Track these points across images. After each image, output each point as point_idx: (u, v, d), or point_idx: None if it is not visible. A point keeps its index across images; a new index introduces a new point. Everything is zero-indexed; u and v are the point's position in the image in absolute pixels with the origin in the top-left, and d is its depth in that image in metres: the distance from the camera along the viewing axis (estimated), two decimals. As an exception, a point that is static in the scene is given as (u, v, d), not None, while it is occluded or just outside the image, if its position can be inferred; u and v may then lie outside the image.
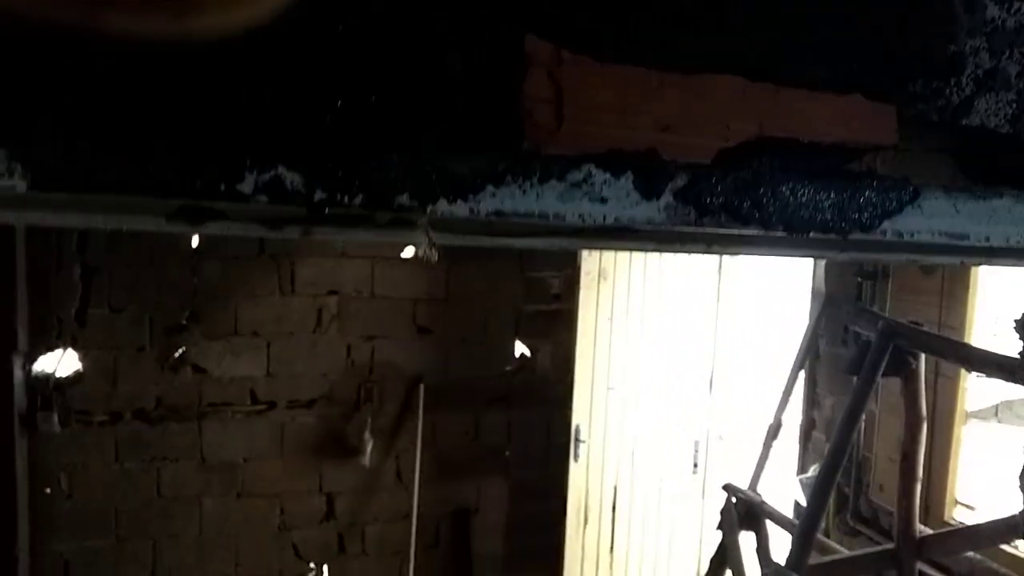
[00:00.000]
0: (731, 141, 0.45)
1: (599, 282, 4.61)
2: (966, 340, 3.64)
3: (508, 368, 4.52)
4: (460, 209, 0.39)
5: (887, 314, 3.62)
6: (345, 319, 4.26)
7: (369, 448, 4.27)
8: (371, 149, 0.39)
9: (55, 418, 3.82)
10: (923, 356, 3.13)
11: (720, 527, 3.82)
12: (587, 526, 4.75)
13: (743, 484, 3.93)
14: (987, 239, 0.62)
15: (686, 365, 4.95)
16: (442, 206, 0.38)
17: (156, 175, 0.34)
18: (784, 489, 4.77)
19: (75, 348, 3.86)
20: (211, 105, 0.42)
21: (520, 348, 4.53)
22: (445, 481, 4.50)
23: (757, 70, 0.47)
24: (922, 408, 3.20)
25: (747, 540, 3.73)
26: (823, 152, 0.48)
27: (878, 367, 3.01)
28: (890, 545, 3.36)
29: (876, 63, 0.50)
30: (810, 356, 4.46)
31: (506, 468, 4.59)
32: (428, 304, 4.37)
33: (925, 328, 3.17)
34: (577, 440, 4.61)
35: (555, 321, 4.58)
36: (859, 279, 4.30)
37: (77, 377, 3.87)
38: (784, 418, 3.99)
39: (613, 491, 4.81)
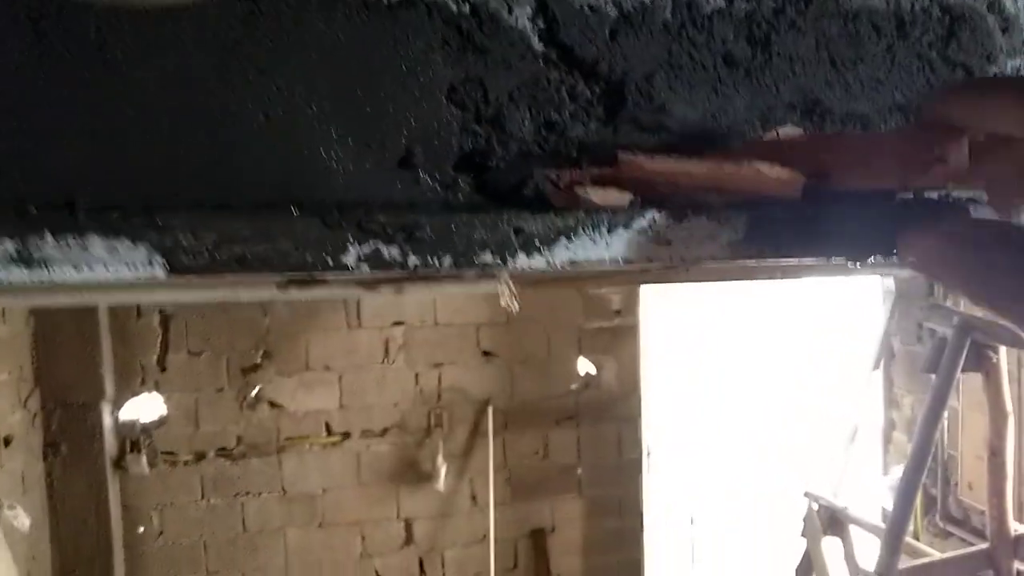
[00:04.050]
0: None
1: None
2: (1048, 329, 3.51)
3: (574, 386, 4.53)
4: (537, 262, 0.41)
5: (961, 309, 3.52)
6: (411, 348, 4.33)
7: (443, 473, 4.32)
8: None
9: (143, 460, 3.99)
10: (1004, 349, 3.03)
11: (803, 535, 3.74)
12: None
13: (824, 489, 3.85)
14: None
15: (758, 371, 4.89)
16: (521, 261, 0.41)
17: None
18: (868, 493, 4.65)
19: (158, 392, 4.03)
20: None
21: (584, 366, 4.54)
22: (520, 502, 4.52)
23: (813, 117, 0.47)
24: (1006, 402, 3.10)
25: (831, 547, 3.65)
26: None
27: (956, 364, 2.94)
28: (984, 545, 3.26)
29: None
30: (885, 355, 4.36)
31: (579, 486, 4.59)
32: (491, 328, 4.42)
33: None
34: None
35: (618, 337, 4.58)
36: (930, 274, 4.19)
37: (162, 420, 4.03)
38: (861, 420, 3.90)
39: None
